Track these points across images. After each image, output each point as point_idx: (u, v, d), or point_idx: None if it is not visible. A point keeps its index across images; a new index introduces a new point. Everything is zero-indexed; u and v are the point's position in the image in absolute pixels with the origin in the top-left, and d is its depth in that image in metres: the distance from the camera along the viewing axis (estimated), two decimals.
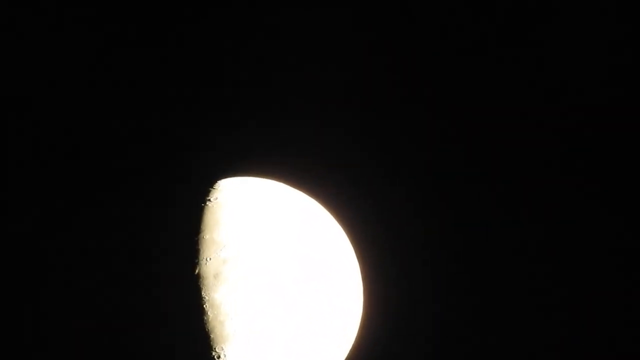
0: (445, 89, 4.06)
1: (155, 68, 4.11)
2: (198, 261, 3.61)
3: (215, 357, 3.56)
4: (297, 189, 4.07)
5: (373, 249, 3.79)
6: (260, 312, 3.57)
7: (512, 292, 3.73)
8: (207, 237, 3.67)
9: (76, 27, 3.95)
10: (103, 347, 3.67)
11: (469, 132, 3.99)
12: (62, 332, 3.66)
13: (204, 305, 3.55)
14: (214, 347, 3.55)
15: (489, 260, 3.70)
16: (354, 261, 3.99)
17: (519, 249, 3.75)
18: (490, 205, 3.74)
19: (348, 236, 4.01)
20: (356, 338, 3.88)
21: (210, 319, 3.54)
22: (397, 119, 4.00)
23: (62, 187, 3.91)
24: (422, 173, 3.83)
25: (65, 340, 3.69)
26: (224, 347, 3.55)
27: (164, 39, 4.09)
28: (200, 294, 3.56)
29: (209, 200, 3.85)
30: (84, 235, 3.72)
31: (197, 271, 3.58)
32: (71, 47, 3.95)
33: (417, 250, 3.65)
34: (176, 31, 4.08)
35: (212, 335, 3.54)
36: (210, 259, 3.61)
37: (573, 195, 3.96)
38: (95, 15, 3.96)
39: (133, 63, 4.08)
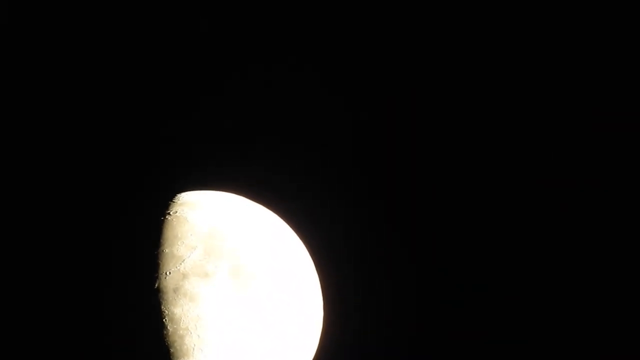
0: None
1: (118, 79, 4.14)
2: (158, 275, 3.60)
3: None
4: (257, 202, 4.12)
5: (330, 259, 3.94)
6: (221, 326, 3.57)
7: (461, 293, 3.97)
8: (167, 251, 3.67)
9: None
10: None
11: None
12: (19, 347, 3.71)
13: (164, 320, 3.54)
14: None
15: (439, 266, 3.87)
16: (313, 272, 4.10)
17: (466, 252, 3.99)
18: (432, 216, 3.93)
19: (307, 247, 4.14)
20: (318, 345, 4.01)
21: (170, 333, 3.54)
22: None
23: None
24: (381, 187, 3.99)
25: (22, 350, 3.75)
26: None
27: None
28: (160, 308, 3.56)
29: (169, 214, 3.87)
30: (38, 248, 3.79)
31: (156, 285, 3.58)
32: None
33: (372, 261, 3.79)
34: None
35: (171, 350, 3.54)
36: (170, 273, 3.60)
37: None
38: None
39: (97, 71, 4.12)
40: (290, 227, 4.13)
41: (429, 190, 3.99)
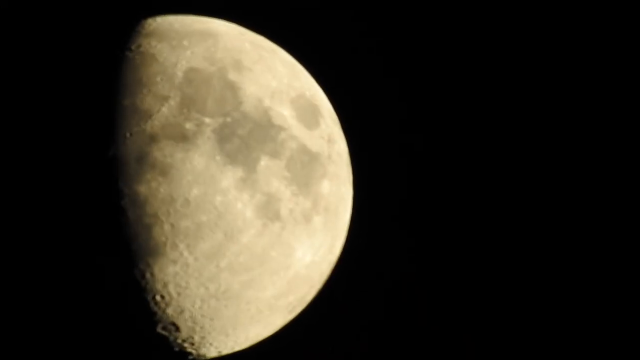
0: None
1: None
2: (113, 138, 3.45)
3: (139, 277, 3.47)
4: (254, 30, 4.20)
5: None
6: (206, 211, 3.48)
7: None
8: (127, 102, 3.48)
9: None
10: None
11: None
12: None
13: (122, 202, 3.39)
14: (136, 262, 3.46)
15: None
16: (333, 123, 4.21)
17: None
18: None
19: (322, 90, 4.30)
20: None
21: (131, 222, 3.41)
22: None
23: None
24: None
25: None
26: (150, 262, 3.44)
27: None
28: (117, 185, 3.40)
29: (129, 49, 3.71)
30: None
31: (111, 153, 3.42)
32: None
33: None
34: None
35: (133, 246, 3.43)
36: (130, 134, 3.44)
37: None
38: None
39: None
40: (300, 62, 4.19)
41: None
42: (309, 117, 3.97)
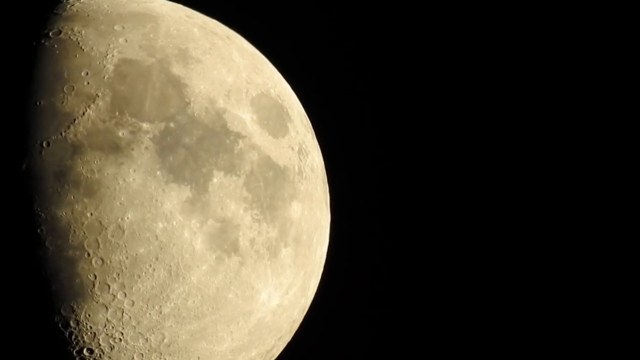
0: None
1: None
2: (27, 149, 3.35)
3: (60, 324, 3.38)
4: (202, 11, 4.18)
5: None
6: (144, 240, 3.37)
7: None
8: (43, 103, 3.40)
9: None
10: None
11: None
12: None
13: (38, 230, 3.29)
14: (57, 307, 3.36)
15: None
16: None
17: None
18: None
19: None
20: None
21: (50, 256, 3.31)
22: None
23: None
24: None
25: None
26: (75, 307, 3.35)
27: None
28: (31, 209, 3.30)
29: (46, 36, 3.63)
30: None
31: (24, 166, 3.31)
32: None
33: None
34: None
35: (53, 287, 3.33)
36: (48, 144, 3.33)
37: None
38: None
39: None
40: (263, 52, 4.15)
41: None
42: (275, 122, 3.87)
